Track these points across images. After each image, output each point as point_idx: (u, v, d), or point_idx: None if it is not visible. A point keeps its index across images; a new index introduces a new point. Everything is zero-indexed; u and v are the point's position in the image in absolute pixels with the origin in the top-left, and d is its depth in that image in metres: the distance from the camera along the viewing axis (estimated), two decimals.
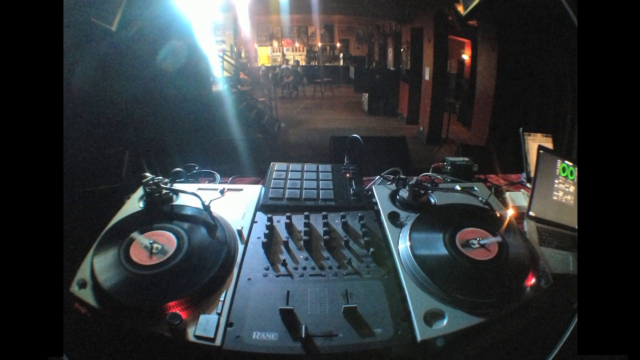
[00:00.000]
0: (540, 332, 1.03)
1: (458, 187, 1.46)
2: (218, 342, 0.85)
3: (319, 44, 13.10)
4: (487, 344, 0.96)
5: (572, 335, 0.91)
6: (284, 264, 1.08)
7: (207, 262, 1.03)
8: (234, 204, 1.35)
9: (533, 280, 1.04)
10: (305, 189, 1.44)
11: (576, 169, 1.51)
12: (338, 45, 13.20)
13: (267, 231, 1.18)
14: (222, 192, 1.40)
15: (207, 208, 1.21)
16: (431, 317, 0.93)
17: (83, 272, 1.01)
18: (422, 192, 1.37)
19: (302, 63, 12.46)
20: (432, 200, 1.40)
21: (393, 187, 1.44)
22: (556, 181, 1.48)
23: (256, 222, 1.27)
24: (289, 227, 1.23)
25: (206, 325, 0.88)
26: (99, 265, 1.01)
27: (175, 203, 1.33)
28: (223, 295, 0.96)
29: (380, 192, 1.42)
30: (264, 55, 12.90)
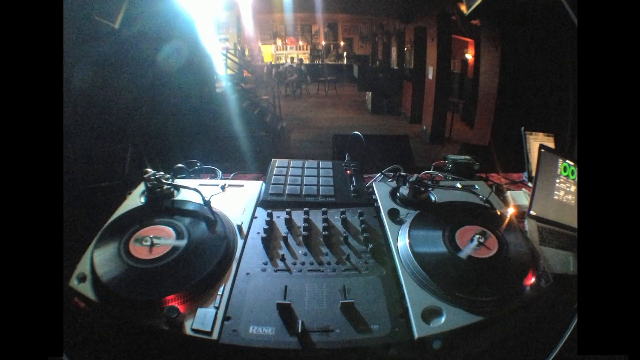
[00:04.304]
0: (540, 332, 1.03)
1: (459, 185, 1.45)
2: (215, 336, 0.85)
3: (323, 43, 13.10)
4: (486, 343, 0.96)
5: (572, 335, 0.91)
6: (283, 259, 1.08)
7: (206, 257, 1.04)
8: (235, 200, 1.35)
9: (533, 280, 1.03)
10: (305, 185, 1.44)
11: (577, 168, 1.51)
12: (342, 43, 13.19)
13: (266, 226, 1.19)
14: (223, 187, 1.40)
15: (207, 203, 1.21)
16: (429, 315, 0.93)
17: (83, 266, 1.02)
18: (423, 189, 1.36)
19: (306, 61, 12.45)
20: (433, 198, 1.39)
21: (394, 184, 1.44)
22: (557, 180, 1.48)
23: (256, 217, 1.27)
24: (289, 222, 1.23)
25: (203, 319, 0.88)
26: (99, 259, 1.01)
27: (176, 198, 1.33)
28: (221, 289, 0.96)
29: (380, 188, 1.42)
30: (268, 54, 12.91)
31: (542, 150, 1.46)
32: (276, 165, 1.57)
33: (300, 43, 13.05)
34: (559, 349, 0.91)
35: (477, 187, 1.48)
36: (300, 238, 1.16)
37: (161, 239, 1.08)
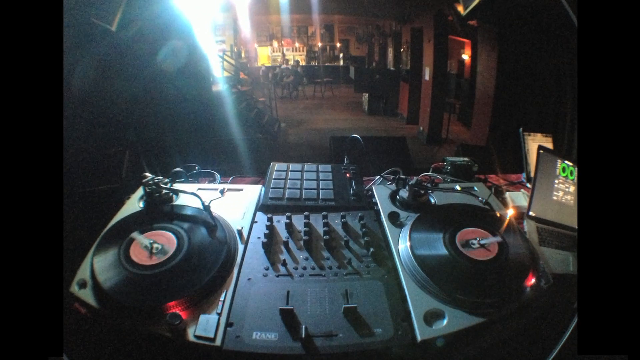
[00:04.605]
0: (540, 332, 1.03)
1: (458, 187, 1.46)
2: (218, 342, 0.85)
3: (319, 44, 13.10)
4: (487, 344, 0.96)
5: (572, 335, 0.91)
6: (284, 264, 1.08)
7: (207, 262, 1.03)
8: (234, 204, 1.35)
9: (533, 280, 1.04)
10: (305, 189, 1.44)
11: (576, 169, 1.51)
12: (338, 45, 13.20)
13: (267, 231, 1.18)
14: (222, 192, 1.40)
15: (207, 208, 1.21)
16: (431, 317, 0.93)
17: (83, 272, 1.01)
18: (422, 192, 1.37)
19: (302, 63, 12.45)
20: (432, 200, 1.40)
21: (393, 187, 1.44)
22: (556, 181, 1.48)
23: (256, 222, 1.27)
24: (289, 227, 1.23)
25: (206, 325, 0.88)
26: (99, 265, 1.01)
27: (175, 203, 1.33)
28: (223, 295, 0.96)
29: (380, 192, 1.43)
30: (264, 55, 12.90)
31: (541, 151, 1.46)
32: (275, 169, 1.57)
33: (297, 45, 13.05)
34: (559, 349, 0.92)
35: (476, 188, 1.49)
36: (301, 242, 1.16)
37: (161, 244, 1.07)
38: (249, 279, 1.03)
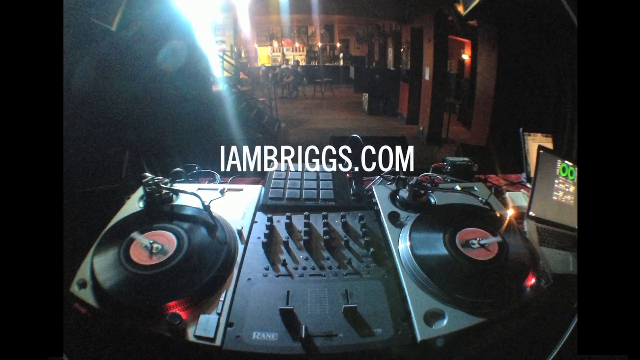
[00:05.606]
0: (540, 332, 1.03)
1: (458, 187, 1.46)
2: (218, 342, 0.85)
3: (319, 44, 13.08)
4: (487, 344, 0.96)
5: (572, 335, 0.91)
6: (284, 264, 1.08)
7: (207, 262, 1.03)
8: (234, 204, 1.35)
9: (533, 280, 1.04)
10: (305, 189, 1.44)
11: (576, 169, 1.51)
12: (338, 45, 13.17)
13: (267, 231, 1.18)
14: (222, 192, 1.40)
15: (207, 208, 1.21)
16: (431, 317, 0.93)
17: (83, 272, 1.01)
18: (422, 192, 1.37)
19: (302, 63, 12.43)
20: (432, 200, 1.40)
21: (393, 187, 1.44)
22: (556, 181, 1.48)
23: (256, 222, 1.27)
24: (289, 227, 1.23)
25: (206, 325, 0.88)
26: (99, 265, 1.01)
27: (175, 203, 1.33)
28: (223, 295, 0.96)
29: (380, 192, 1.42)
30: (264, 55, 12.87)
31: (541, 151, 1.46)
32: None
33: (297, 45, 13.03)
34: (559, 349, 0.92)
35: (476, 188, 1.49)
36: (301, 242, 1.16)
37: (161, 244, 1.07)
38: (249, 279, 1.03)
